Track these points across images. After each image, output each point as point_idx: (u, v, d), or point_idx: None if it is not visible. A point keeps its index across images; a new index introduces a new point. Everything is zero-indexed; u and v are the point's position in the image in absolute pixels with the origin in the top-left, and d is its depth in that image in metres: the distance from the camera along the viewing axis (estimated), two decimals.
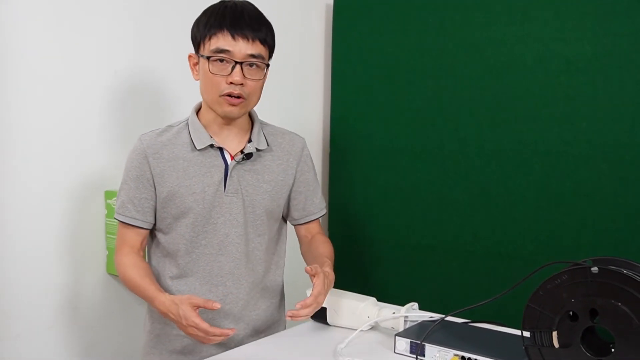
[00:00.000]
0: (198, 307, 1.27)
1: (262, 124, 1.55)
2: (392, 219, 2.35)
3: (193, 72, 1.43)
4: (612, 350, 1.04)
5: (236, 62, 1.35)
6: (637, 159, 1.84)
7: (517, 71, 2.03)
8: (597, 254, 1.79)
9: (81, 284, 1.79)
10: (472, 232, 2.16)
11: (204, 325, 1.24)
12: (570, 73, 1.93)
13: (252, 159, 1.46)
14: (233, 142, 1.46)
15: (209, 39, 1.35)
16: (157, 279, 1.45)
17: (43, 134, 1.67)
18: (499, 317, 1.51)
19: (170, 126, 1.48)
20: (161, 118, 1.87)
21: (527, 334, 1.14)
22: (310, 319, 1.56)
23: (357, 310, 1.48)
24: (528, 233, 2.04)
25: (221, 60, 1.35)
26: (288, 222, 1.62)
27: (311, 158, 1.60)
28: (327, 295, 1.53)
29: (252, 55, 1.36)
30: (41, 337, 1.72)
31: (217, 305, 1.26)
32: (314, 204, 1.60)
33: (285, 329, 1.60)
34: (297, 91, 2.48)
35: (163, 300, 1.33)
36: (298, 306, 1.29)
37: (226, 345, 1.45)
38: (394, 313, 1.45)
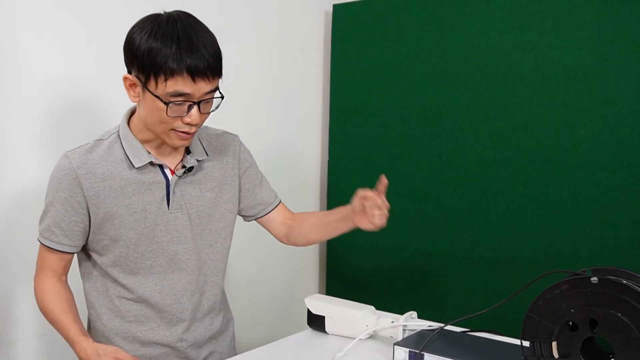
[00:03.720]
0: None
1: None
2: (390, 227, 2.32)
3: (129, 94, 1.27)
4: None
5: (194, 103, 1.24)
6: (635, 167, 1.84)
7: (515, 79, 2.03)
8: (595, 263, 1.80)
9: (76, 291, 1.78)
10: (471, 240, 2.15)
11: None
12: (569, 81, 1.93)
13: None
14: (171, 155, 1.37)
15: (165, 80, 1.19)
16: (103, 299, 1.39)
17: None
18: (497, 326, 1.51)
19: (100, 140, 1.35)
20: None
21: (526, 343, 1.13)
22: (308, 326, 1.56)
23: (355, 318, 1.47)
24: (526, 241, 2.04)
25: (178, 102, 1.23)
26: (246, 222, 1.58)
27: (249, 152, 1.53)
28: (326, 304, 1.53)
29: (210, 92, 1.26)
30: (35, 343, 1.71)
31: None
32: (266, 194, 1.55)
33: (233, 338, 1.57)
34: (295, 98, 2.48)
35: (85, 346, 1.26)
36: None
37: None
38: (392, 322, 1.44)
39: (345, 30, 2.43)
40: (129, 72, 1.26)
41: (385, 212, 1.37)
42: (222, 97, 1.29)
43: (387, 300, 2.29)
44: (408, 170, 2.29)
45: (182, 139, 1.28)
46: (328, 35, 2.53)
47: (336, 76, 2.48)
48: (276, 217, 1.57)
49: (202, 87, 1.22)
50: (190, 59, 1.19)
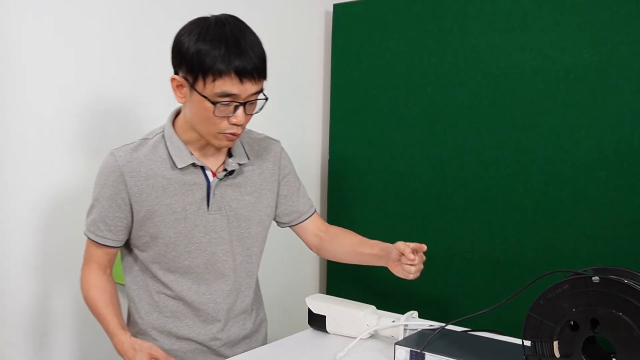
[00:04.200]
0: None
1: None
2: (391, 227, 2.35)
3: (176, 95, 1.30)
4: None
5: (240, 104, 1.27)
6: (635, 167, 1.84)
7: (515, 79, 2.03)
8: (595, 262, 1.81)
9: (77, 291, 1.78)
10: (471, 240, 2.16)
11: None
12: (569, 81, 1.94)
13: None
14: (213, 156, 1.41)
15: (213, 80, 1.23)
16: (143, 293, 1.43)
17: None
18: (498, 326, 1.51)
19: (145, 139, 1.39)
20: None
21: (527, 343, 1.13)
22: (309, 326, 1.56)
23: (356, 318, 1.47)
24: (527, 240, 2.04)
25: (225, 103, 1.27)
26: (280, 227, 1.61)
27: (289, 158, 1.56)
28: (327, 303, 1.53)
29: (256, 93, 1.29)
30: (34, 344, 1.71)
31: None
32: (302, 202, 1.57)
33: (266, 332, 1.60)
34: (296, 98, 2.48)
35: (123, 340, 1.31)
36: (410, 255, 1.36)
37: None
38: (393, 321, 1.44)
39: (345, 30, 2.43)
40: (176, 73, 1.30)
41: (421, 267, 1.41)
42: (266, 99, 1.33)
43: (388, 299, 2.29)
44: (408, 170, 2.29)
45: (228, 139, 1.32)
46: (328, 35, 2.53)
47: (336, 76, 2.48)
48: (309, 227, 1.59)
49: (248, 88, 1.26)
50: (238, 60, 1.23)
